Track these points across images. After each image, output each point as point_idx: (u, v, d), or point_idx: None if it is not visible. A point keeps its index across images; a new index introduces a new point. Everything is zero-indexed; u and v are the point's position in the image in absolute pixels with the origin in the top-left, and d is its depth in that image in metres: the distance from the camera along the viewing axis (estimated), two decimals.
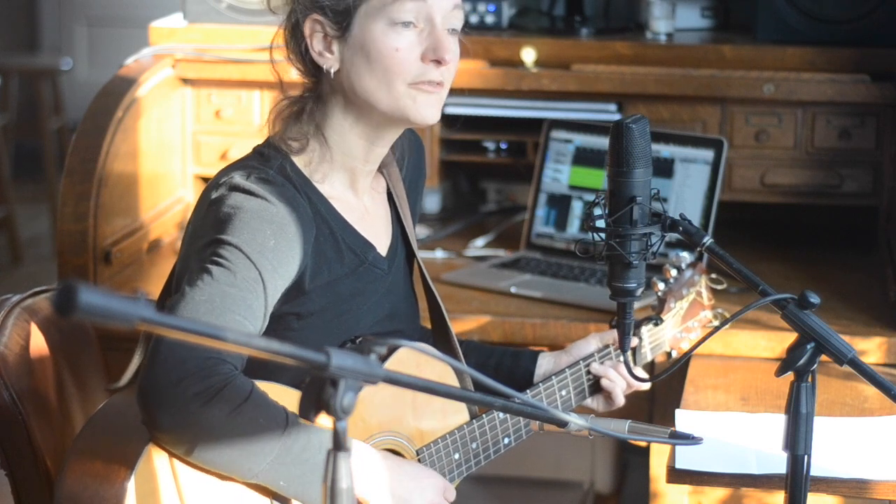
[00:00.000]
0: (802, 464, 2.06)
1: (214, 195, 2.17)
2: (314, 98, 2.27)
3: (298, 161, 2.24)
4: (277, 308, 2.16)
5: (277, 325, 2.18)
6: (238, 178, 2.16)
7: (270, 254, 2.12)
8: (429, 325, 2.49)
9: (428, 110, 2.23)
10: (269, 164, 2.21)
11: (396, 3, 2.19)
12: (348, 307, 2.26)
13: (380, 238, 2.34)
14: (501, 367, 2.51)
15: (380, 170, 2.37)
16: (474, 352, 2.54)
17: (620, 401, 2.51)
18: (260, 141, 2.30)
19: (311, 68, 2.26)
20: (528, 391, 2.41)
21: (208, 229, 2.14)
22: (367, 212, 2.33)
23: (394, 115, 2.23)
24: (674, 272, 2.64)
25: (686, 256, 2.67)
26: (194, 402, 1.98)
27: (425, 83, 2.22)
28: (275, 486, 2.06)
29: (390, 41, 2.19)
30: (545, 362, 2.52)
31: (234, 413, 2.00)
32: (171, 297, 2.14)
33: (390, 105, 2.22)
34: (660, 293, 2.61)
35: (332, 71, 2.22)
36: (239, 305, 2.07)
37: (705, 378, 2.75)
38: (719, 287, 2.75)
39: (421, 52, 2.21)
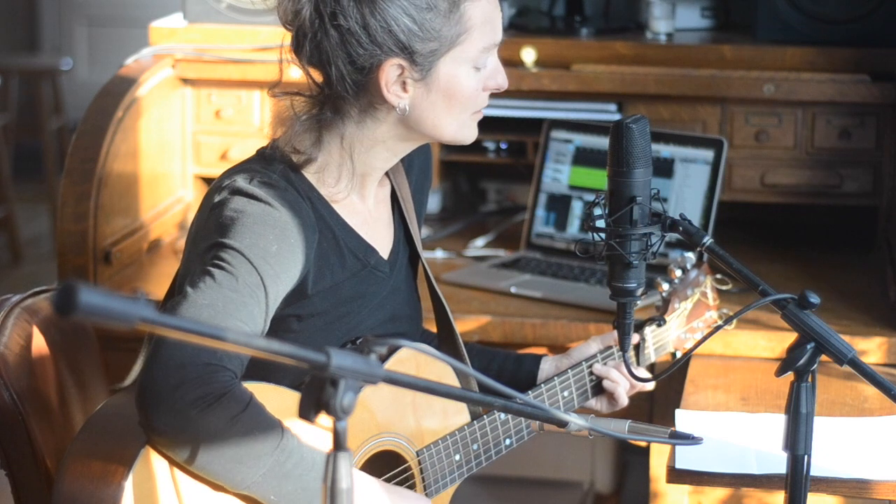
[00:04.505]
0: (802, 464, 2.06)
1: (217, 198, 2.16)
2: (335, 115, 2.22)
3: (305, 167, 2.23)
4: (279, 311, 2.15)
5: (277, 327, 2.17)
6: (241, 182, 2.15)
7: (272, 259, 2.11)
8: (432, 327, 2.48)
9: (476, 131, 2.30)
10: (272, 167, 2.20)
11: (483, 53, 2.23)
12: (349, 310, 2.26)
13: (382, 241, 2.33)
14: (504, 372, 2.51)
15: (385, 173, 2.36)
16: (476, 356, 2.53)
17: (624, 401, 2.50)
18: (260, 141, 2.29)
19: (351, 92, 2.20)
20: (529, 392, 2.41)
21: (211, 232, 2.13)
22: (370, 215, 2.32)
23: (452, 141, 2.28)
24: (678, 272, 2.63)
25: (691, 257, 2.66)
26: (192, 407, 1.97)
27: (481, 110, 2.28)
28: (266, 500, 2.05)
29: (474, 83, 2.23)
30: (547, 366, 2.51)
31: (231, 422, 1.99)
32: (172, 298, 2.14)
33: (454, 134, 2.26)
34: (664, 293, 2.60)
35: (404, 108, 2.21)
36: (240, 310, 2.06)
37: (705, 378, 2.75)
38: (724, 288, 2.75)
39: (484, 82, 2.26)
